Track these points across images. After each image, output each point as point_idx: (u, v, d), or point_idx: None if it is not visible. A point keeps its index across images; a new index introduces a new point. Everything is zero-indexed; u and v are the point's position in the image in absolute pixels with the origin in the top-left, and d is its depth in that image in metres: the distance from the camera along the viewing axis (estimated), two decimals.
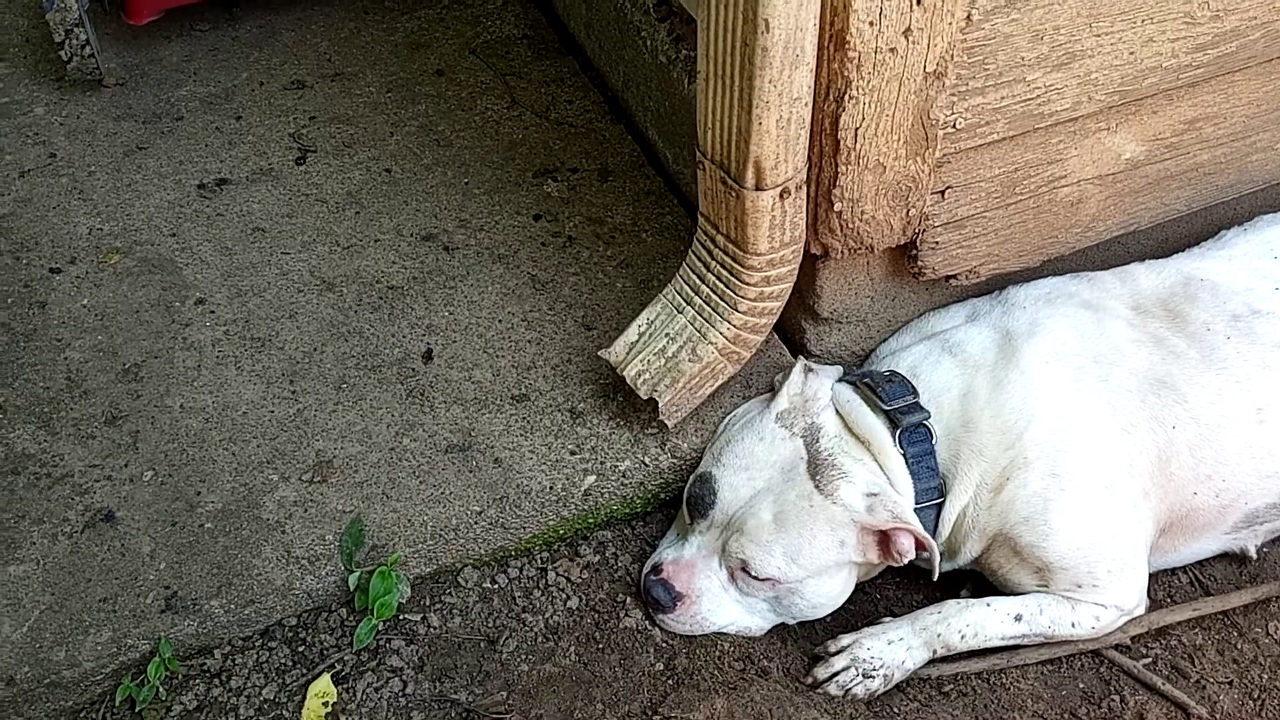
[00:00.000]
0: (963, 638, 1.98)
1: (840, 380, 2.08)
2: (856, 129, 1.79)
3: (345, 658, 1.90)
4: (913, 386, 2.00)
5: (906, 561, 1.93)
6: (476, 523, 2.00)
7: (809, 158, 1.85)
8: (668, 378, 2.01)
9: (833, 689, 1.94)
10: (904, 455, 1.96)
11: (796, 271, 1.98)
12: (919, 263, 2.06)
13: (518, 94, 2.82)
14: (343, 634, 1.92)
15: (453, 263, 2.42)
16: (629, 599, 2.02)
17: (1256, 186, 2.34)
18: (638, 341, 2.06)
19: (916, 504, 1.96)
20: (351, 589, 1.92)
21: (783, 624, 2.03)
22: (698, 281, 2.02)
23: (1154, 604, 2.11)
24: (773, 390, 2.09)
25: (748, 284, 1.94)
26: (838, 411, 2.01)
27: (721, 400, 2.13)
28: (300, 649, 1.90)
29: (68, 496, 2.01)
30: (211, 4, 2.96)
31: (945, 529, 2.00)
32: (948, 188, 1.97)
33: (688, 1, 2.30)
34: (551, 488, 2.04)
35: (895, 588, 2.16)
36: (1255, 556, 2.17)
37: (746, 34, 1.65)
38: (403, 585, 1.94)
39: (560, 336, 2.28)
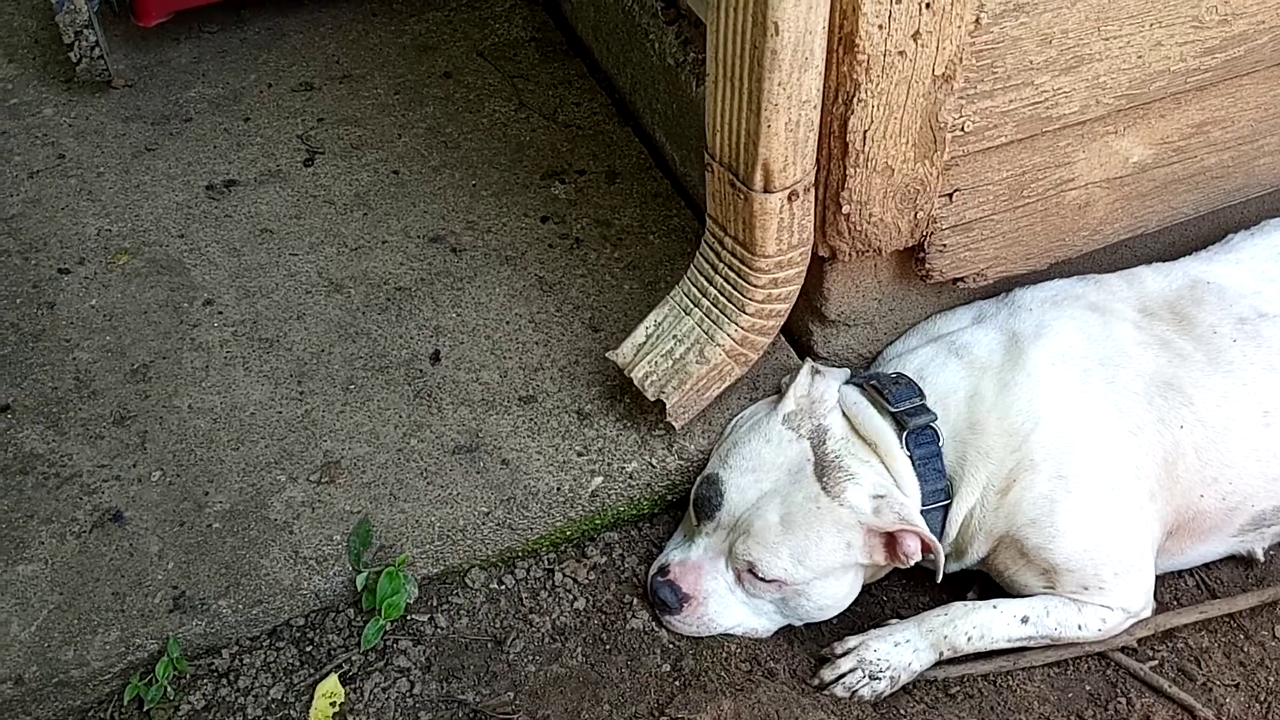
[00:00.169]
0: (969, 640, 1.98)
1: (847, 382, 2.08)
2: (865, 132, 1.80)
3: (353, 658, 1.90)
4: (919, 389, 2.00)
5: (913, 563, 1.93)
6: (484, 524, 2.01)
7: (817, 160, 1.85)
8: (675, 379, 2.02)
9: (839, 691, 1.95)
10: (910, 457, 1.96)
11: (804, 274, 1.98)
12: (926, 265, 2.06)
13: (525, 96, 2.82)
14: (350, 634, 1.93)
15: (460, 264, 2.43)
16: (636, 600, 2.02)
17: (1264, 190, 2.34)
18: (645, 343, 2.07)
19: (923, 506, 1.96)
20: (359, 589, 1.93)
21: (789, 626, 2.03)
22: (705, 283, 2.02)
23: (1160, 606, 2.11)
24: (780, 392, 2.09)
25: (755, 286, 1.94)
26: (844, 413, 2.01)
27: (728, 402, 2.13)
28: (308, 649, 1.91)
29: (76, 496, 2.01)
30: (220, 6, 2.97)
31: (952, 531, 2.00)
32: (955, 190, 1.98)
33: (696, 5, 2.31)
34: (559, 489, 2.04)
35: (902, 590, 2.16)
36: (1262, 559, 2.17)
37: (756, 37, 1.66)
38: (410, 586, 1.95)
39: (567, 338, 2.28)
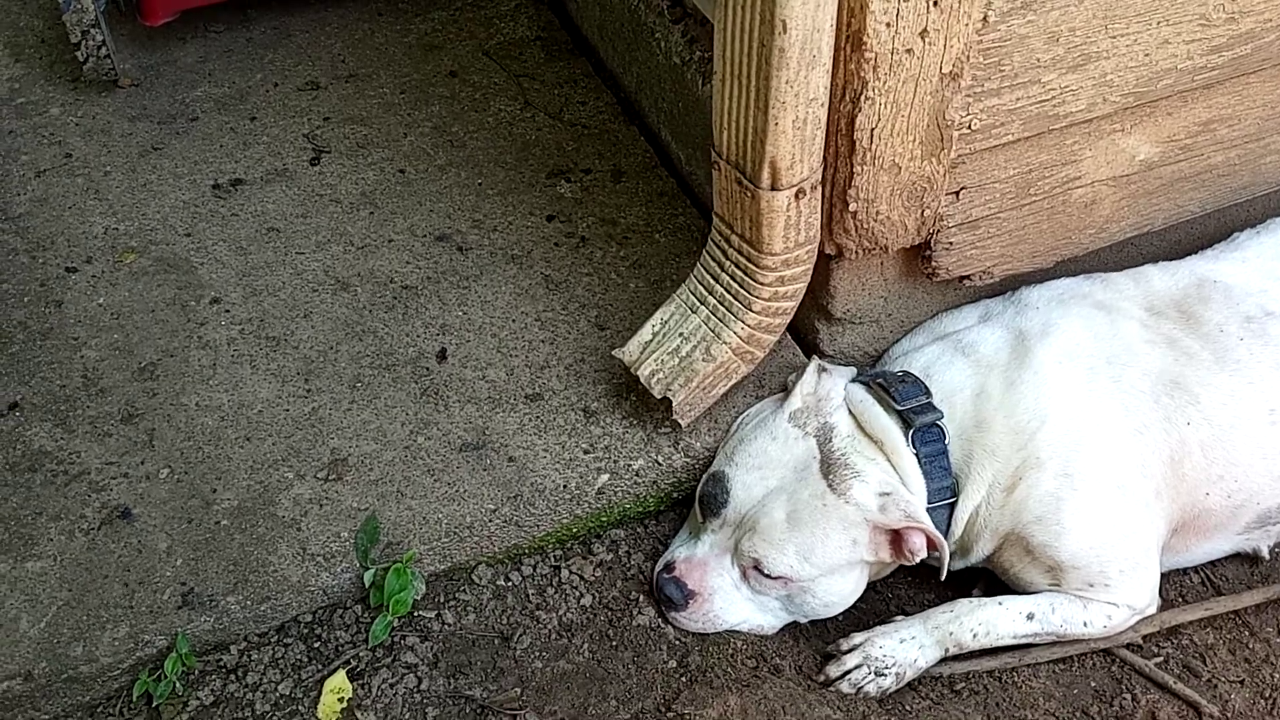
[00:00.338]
0: (975, 636, 1.98)
1: (853, 380, 2.09)
2: (872, 130, 1.80)
3: (360, 654, 1.91)
4: (926, 387, 2.01)
5: (918, 560, 1.94)
6: (491, 521, 2.01)
7: (824, 158, 1.86)
8: (681, 377, 2.02)
9: (845, 687, 1.95)
10: (917, 455, 1.96)
11: (811, 272, 1.99)
12: (933, 263, 2.06)
13: (531, 95, 2.83)
14: (358, 630, 1.93)
15: (466, 263, 2.43)
16: (642, 597, 2.02)
17: (1270, 188, 2.35)
18: (651, 341, 2.07)
19: (929, 503, 1.96)
20: (366, 586, 1.93)
21: (795, 622, 2.04)
22: (712, 281, 2.02)
23: (1166, 603, 2.11)
24: (786, 390, 2.09)
25: (762, 284, 1.95)
26: (851, 411, 2.02)
27: (734, 400, 2.14)
28: (316, 645, 1.91)
29: (84, 494, 2.02)
30: (226, 6, 2.97)
31: (957, 528, 2.01)
32: (962, 188, 1.98)
33: (702, 3, 2.31)
34: (565, 486, 2.05)
35: (907, 587, 2.16)
36: (1268, 557, 2.17)
37: (764, 35, 1.66)
38: (417, 582, 1.95)
39: (573, 336, 2.29)
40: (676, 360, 2.03)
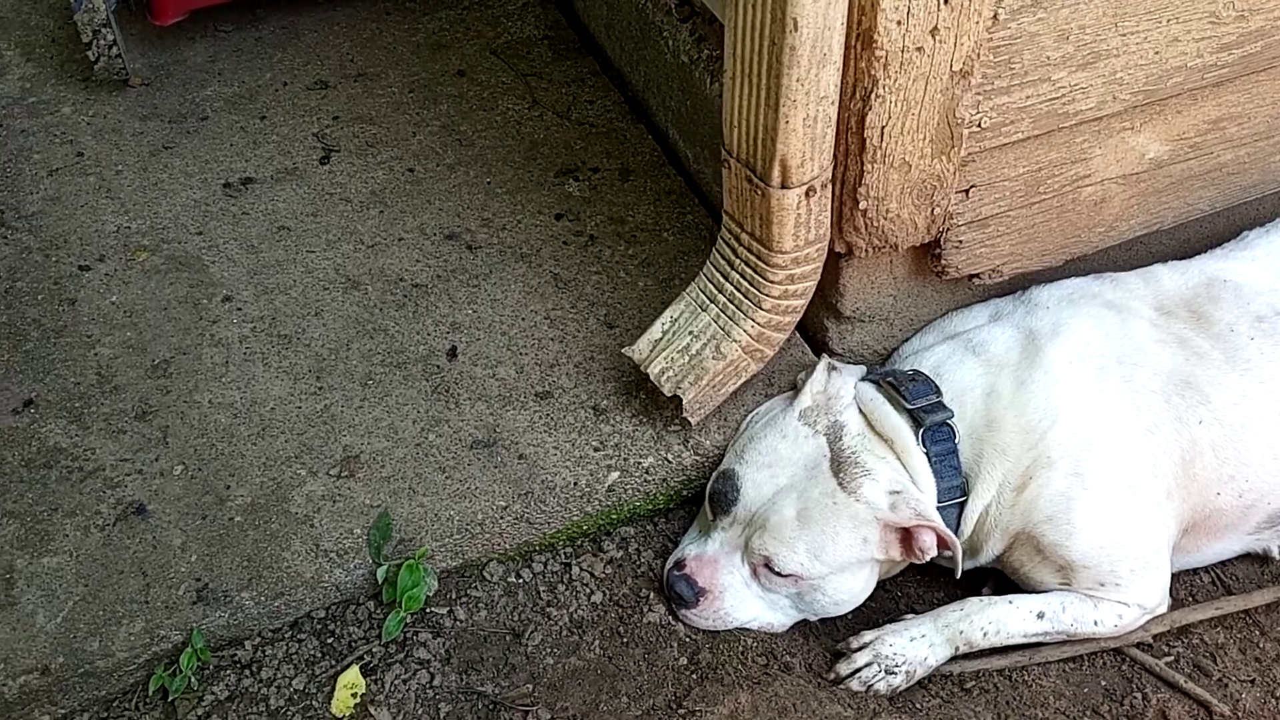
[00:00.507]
0: (985, 635, 1.99)
1: (863, 379, 2.09)
2: (882, 127, 1.81)
3: (373, 650, 1.91)
4: (936, 386, 2.01)
5: (929, 559, 1.94)
6: (502, 518, 2.02)
7: (834, 156, 1.86)
8: (691, 375, 2.03)
9: (855, 685, 1.96)
10: (927, 454, 1.97)
11: (821, 270, 1.99)
12: (942, 261, 2.07)
13: (539, 94, 2.84)
14: (371, 626, 1.94)
15: (476, 261, 2.44)
16: (652, 594, 2.03)
17: (1279, 187, 2.35)
18: (661, 339, 2.08)
19: (939, 502, 1.96)
20: (379, 582, 1.94)
21: (805, 620, 2.04)
22: (721, 279, 2.03)
23: (1176, 603, 2.11)
24: (795, 388, 2.10)
25: (772, 282, 1.95)
26: (861, 410, 2.02)
27: (744, 398, 2.14)
28: (329, 641, 1.92)
29: (99, 490, 2.03)
30: (235, 5, 2.99)
31: (967, 527, 2.01)
32: (972, 186, 1.98)
33: (711, 2, 2.32)
34: (575, 484, 2.06)
35: (916, 585, 2.16)
36: (1278, 557, 2.17)
37: (775, 33, 1.67)
38: (430, 579, 1.96)
39: (583, 334, 2.30)
40: (686, 358, 2.04)
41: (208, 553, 1.95)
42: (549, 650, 1.95)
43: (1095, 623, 2.00)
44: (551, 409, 2.16)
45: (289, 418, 2.15)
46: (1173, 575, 2.05)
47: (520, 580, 2.03)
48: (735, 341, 2.01)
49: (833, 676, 1.97)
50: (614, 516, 2.11)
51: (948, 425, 1.98)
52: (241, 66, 2.91)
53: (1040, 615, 2.00)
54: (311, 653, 1.91)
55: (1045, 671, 2.03)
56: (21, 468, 2.06)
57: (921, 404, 1.98)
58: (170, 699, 1.85)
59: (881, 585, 2.06)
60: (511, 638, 1.96)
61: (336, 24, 3.04)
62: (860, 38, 1.72)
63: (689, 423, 2.07)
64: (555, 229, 2.51)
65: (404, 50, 2.97)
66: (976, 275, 2.12)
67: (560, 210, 2.55)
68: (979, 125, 1.89)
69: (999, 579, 2.12)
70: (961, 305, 2.24)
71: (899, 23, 1.69)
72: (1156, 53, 1.95)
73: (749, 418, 2.11)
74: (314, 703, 1.86)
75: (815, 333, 2.26)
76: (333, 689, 1.87)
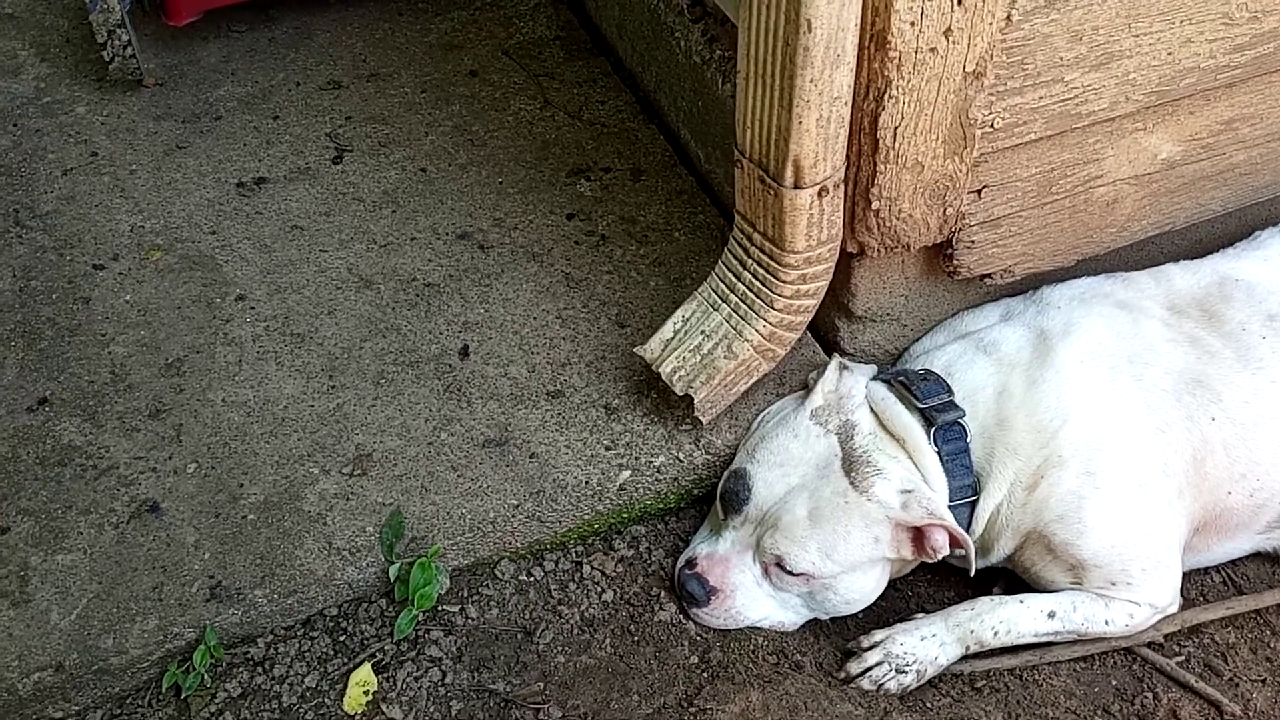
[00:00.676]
0: (996, 634, 1.99)
1: (875, 378, 2.10)
2: (895, 128, 1.81)
3: (386, 647, 1.92)
4: (947, 385, 2.02)
5: (940, 558, 1.95)
6: (513, 516, 2.03)
7: (847, 156, 1.86)
8: (703, 374, 2.03)
9: (866, 684, 1.96)
10: (939, 453, 1.97)
11: (833, 270, 1.99)
12: (954, 261, 2.07)
13: (550, 94, 2.84)
14: (383, 624, 1.95)
15: (488, 261, 2.45)
16: (663, 593, 2.04)
17: None
18: (673, 339, 2.08)
19: (950, 501, 1.97)
20: (392, 580, 1.95)
21: (816, 619, 2.05)
22: (733, 279, 2.03)
23: (1187, 603, 2.11)
24: (806, 388, 2.10)
25: (784, 282, 1.96)
26: (872, 409, 2.03)
27: (755, 397, 2.15)
28: (341, 638, 1.93)
29: (113, 488, 2.04)
30: (248, 6, 3.00)
31: (979, 527, 2.01)
32: (984, 187, 1.99)
33: (723, 2, 2.32)
34: (587, 482, 2.06)
35: (927, 585, 2.17)
36: None
37: (789, 34, 1.67)
38: (442, 577, 1.97)
39: (594, 334, 2.30)
40: (698, 358, 2.05)
41: (221, 550, 1.96)
42: (560, 648, 1.95)
43: (1106, 622, 2.00)
44: (563, 408, 2.17)
45: (302, 416, 2.16)
46: (1184, 575, 2.06)
47: (532, 578, 2.04)
48: (747, 341, 2.01)
49: (843, 675, 1.97)
50: (625, 515, 2.11)
51: (959, 424, 1.98)
52: (255, 67, 2.92)
53: (1051, 614, 2.00)
54: (324, 650, 1.92)
55: (1056, 671, 2.03)
56: (36, 465, 2.07)
57: (933, 403, 1.98)
58: (183, 696, 1.86)
59: (892, 584, 2.06)
60: (523, 636, 1.96)
61: (349, 24, 3.05)
62: (874, 39, 1.72)
63: (700, 422, 2.07)
64: (567, 229, 2.51)
65: (416, 50, 2.97)
66: (988, 275, 2.13)
67: (572, 210, 2.55)
68: (992, 126, 1.89)
69: (1010, 578, 2.13)
70: (973, 305, 2.24)
71: (913, 24, 1.70)
72: (1169, 53, 1.95)
73: (760, 417, 2.11)
74: (326, 700, 1.86)
75: (827, 332, 2.26)
76: (345, 686, 1.87)
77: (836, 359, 2.09)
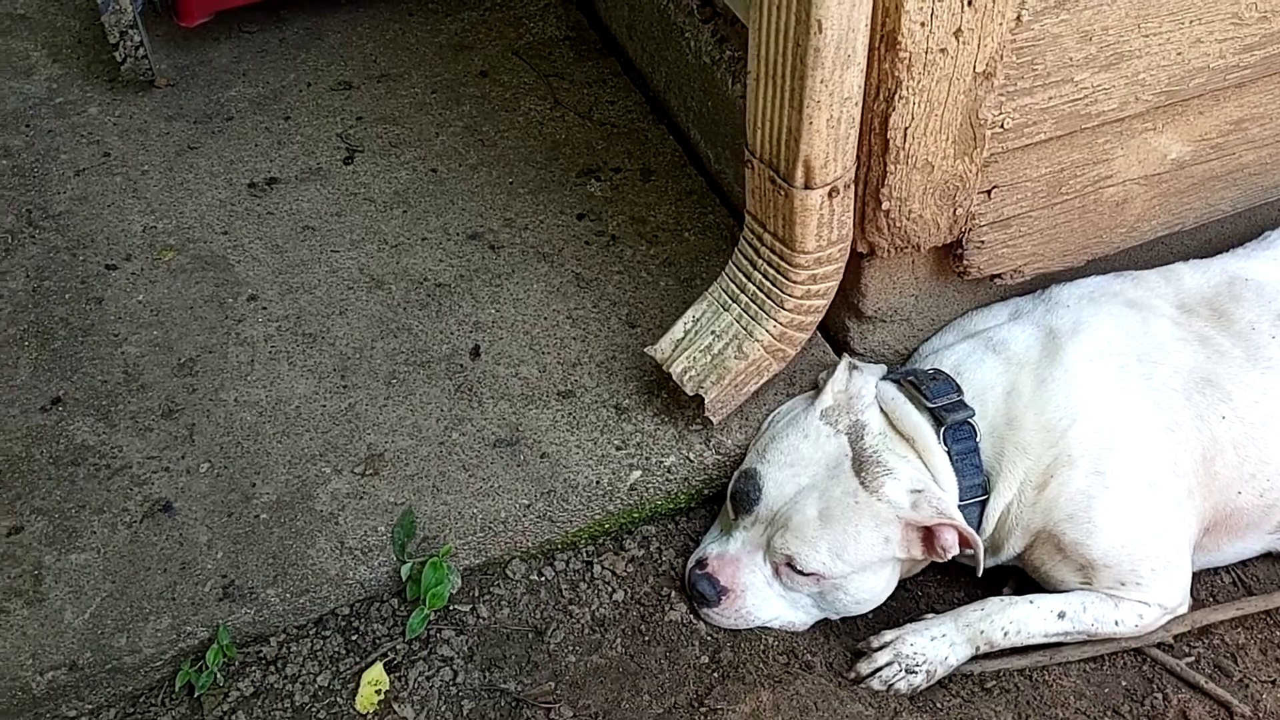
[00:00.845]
0: (1005, 634, 1.99)
1: (884, 378, 2.10)
2: (906, 128, 1.81)
3: (397, 647, 1.93)
4: (957, 385, 2.02)
5: (950, 557, 1.95)
6: (524, 516, 2.03)
7: (857, 157, 1.87)
8: (713, 374, 2.04)
9: (876, 684, 1.96)
10: (948, 452, 1.97)
11: (843, 270, 2.00)
12: (964, 261, 2.07)
13: (560, 95, 2.85)
14: (394, 624, 1.96)
15: (498, 261, 2.45)
16: (674, 593, 2.04)
17: None
18: (684, 339, 2.09)
19: (960, 501, 1.97)
20: (403, 579, 1.96)
21: (826, 619, 2.05)
22: (744, 279, 2.04)
23: (1197, 603, 2.11)
24: (816, 388, 2.11)
25: (794, 282, 1.96)
26: (882, 409, 2.03)
27: (765, 397, 2.15)
28: (353, 638, 1.94)
29: (127, 487, 2.05)
30: (259, 6, 3.01)
31: (989, 526, 2.01)
32: (994, 187, 1.99)
33: (733, 3, 2.32)
34: (598, 482, 2.07)
35: (937, 585, 2.17)
36: None
37: (799, 35, 1.67)
38: (453, 576, 1.98)
39: (605, 334, 2.31)
40: (709, 358, 2.05)
41: (234, 550, 1.97)
42: (571, 648, 1.96)
43: (1116, 622, 2.00)
44: (574, 408, 2.18)
45: (314, 416, 2.16)
46: (1193, 575, 2.05)
47: (542, 578, 2.05)
48: (757, 341, 2.02)
49: (854, 675, 1.98)
50: (636, 515, 2.12)
51: (969, 424, 1.98)
52: (266, 67, 2.93)
53: (1061, 615, 2.00)
54: (336, 649, 1.93)
55: (1066, 671, 2.03)
56: (50, 465, 2.08)
57: (942, 403, 1.98)
58: (196, 695, 1.87)
59: (902, 585, 2.06)
60: (534, 635, 1.97)
61: (360, 25, 3.06)
62: (884, 39, 1.72)
63: (711, 422, 2.08)
64: (577, 229, 2.52)
65: (427, 51, 2.98)
66: (998, 275, 2.13)
67: (582, 210, 2.56)
68: (1002, 126, 1.89)
69: (1020, 578, 2.13)
70: (982, 305, 2.24)
71: (923, 24, 1.70)
72: (1179, 54, 1.95)
73: (771, 417, 2.12)
74: (338, 699, 1.87)
75: (837, 332, 2.27)
76: (357, 685, 1.88)
77: (846, 359, 2.09)
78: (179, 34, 2.98)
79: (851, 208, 1.92)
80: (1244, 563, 2.19)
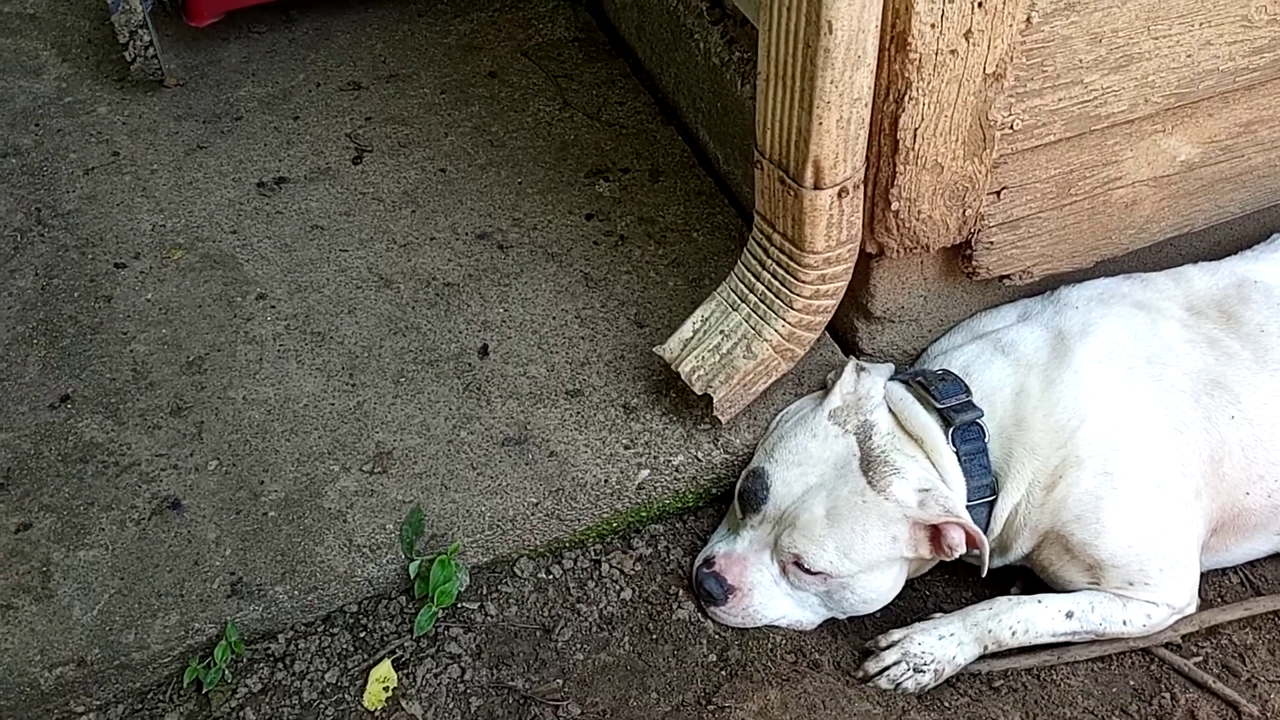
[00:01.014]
0: (1013, 634, 1.99)
1: (893, 379, 2.10)
2: (915, 129, 1.82)
3: (405, 644, 1.93)
4: (965, 385, 2.02)
5: (957, 556, 1.95)
6: (532, 514, 2.04)
7: (867, 157, 1.87)
8: (722, 374, 2.04)
9: (883, 683, 1.96)
10: (957, 453, 1.97)
11: (852, 270, 2.00)
12: (973, 262, 2.07)
13: (569, 96, 2.86)
14: (402, 621, 1.96)
15: (507, 261, 2.46)
16: (681, 591, 2.04)
17: None
18: (692, 338, 2.09)
19: (968, 501, 1.97)
20: (412, 577, 1.96)
21: (833, 619, 2.05)
22: (753, 279, 2.04)
23: (1205, 604, 2.11)
24: (824, 388, 2.11)
25: (804, 282, 1.96)
26: (891, 409, 2.03)
27: (773, 397, 2.15)
28: (361, 635, 1.94)
29: (135, 484, 2.06)
30: (269, 7, 3.02)
31: (996, 526, 2.02)
32: (1003, 188, 1.99)
33: (744, 4, 2.33)
34: (606, 481, 2.07)
35: (944, 585, 2.17)
36: None
37: (809, 35, 1.68)
38: (461, 574, 1.98)
39: (613, 333, 2.31)
40: (717, 357, 2.05)
41: (242, 547, 1.97)
42: (579, 646, 1.96)
43: (1124, 622, 2.00)
44: (582, 407, 2.18)
45: (322, 414, 2.17)
46: (1201, 576, 2.05)
47: (550, 576, 2.05)
48: (766, 341, 2.02)
49: (861, 674, 1.98)
50: (644, 514, 2.12)
51: (977, 424, 1.98)
52: (275, 67, 2.94)
53: (1069, 614, 2.00)
54: (344, 646, 1.93)
55: (1073, 671, 2.03)
56: (58, 462, 2.09)
57: (951, 403, 1.99)
58: (204, 691, 1.87)
59: (910, 584, 2.07)
60: (542, 633, 1.97)
61: (369, 26, 3.07)
62: (894, 40, 1.73)
63: (719, 421, 2.08)
64: (586, 229, 2.52)
65: (436, 52, 2.99)
66: (1007, 276, 2.13)
67: (591, 210, 2.56)
68: (1011, 127, 1.90)
69: (1027, 578, 2.13)
70: (991, 306, 2.24)
71: (933, 25, 1.70)
72: (1189, 56, 1.96)
73: (779, 417, 2.12)
74: (346, 696, 1.88)
75: (845, 333, 2.27)
76: (365, 682, 1.89)
77: (853, 361, 2.10)
78: (188, 34, 2.98)
79: (861, 208, 1.92)
80: (1252, 563, 2.19)
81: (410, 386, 2.22)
